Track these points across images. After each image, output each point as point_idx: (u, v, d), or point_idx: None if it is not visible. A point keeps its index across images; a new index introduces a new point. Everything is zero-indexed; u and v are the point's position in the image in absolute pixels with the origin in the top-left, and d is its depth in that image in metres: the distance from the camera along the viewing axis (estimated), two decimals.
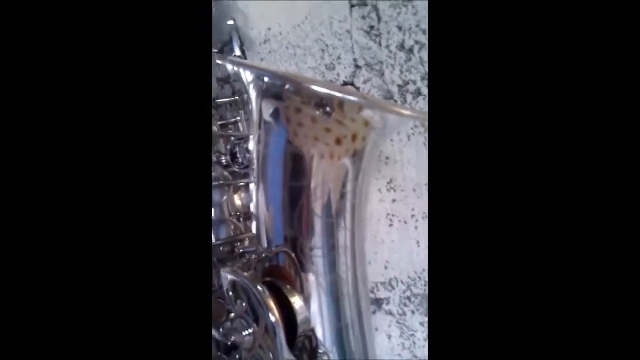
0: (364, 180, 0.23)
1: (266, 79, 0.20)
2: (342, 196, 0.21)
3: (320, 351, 0.21)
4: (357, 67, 0.38)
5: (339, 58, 0.39)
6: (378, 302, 0.40)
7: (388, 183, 0.39)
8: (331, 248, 0.22)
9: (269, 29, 0.39)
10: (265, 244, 0.22)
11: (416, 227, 0.38)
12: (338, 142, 0.21)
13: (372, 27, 0.38)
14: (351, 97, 0.20)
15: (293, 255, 0.21)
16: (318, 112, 0.19)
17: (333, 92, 0.19)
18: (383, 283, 0.39)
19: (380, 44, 0.38)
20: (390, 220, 0.39)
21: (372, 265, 0.40)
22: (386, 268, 0.39)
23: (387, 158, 0.39)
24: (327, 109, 0.20)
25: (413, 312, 0.39)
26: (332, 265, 0.22)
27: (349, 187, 0.22)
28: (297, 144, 0.20)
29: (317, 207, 0.21)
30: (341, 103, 0.20)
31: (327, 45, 0.39)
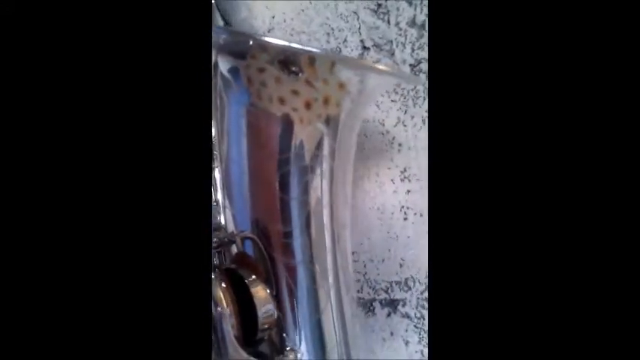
0: (342, 155, 0.20)
1: (224, 35, 0.18)
2: (313, 170, 0.19)
3: (287, 347, 0.18)
4: (365, 48, 0.36)
5: (345, 40, 0.36)
6: (393, 304, 0.36)
7: (402, 172, 0.35)
8: (304, 232, 0.19)
9: (273, 17, 0.38)
10: (233, 230, 0.19)
11: None
12: (308, 106, 0.18)
13: (379, 5, 0.35)
14: (322, 53, 0.17)
15: (260, 241, 0.18)
16: (283, 73, 0.17)
17: (300, 47, 0.17)
18: (398, 283, 0.36)
19: (389, 22, 0.35)
20: (405, 213, 0.35)
21: (386, 263, 0.36)
22: (401, 266, 0.36)
23: (400, 145, 0.35)
24: (294, 68, 0.17)
25: None
26: (306, 251, 0.20)
27: (324, 161, 0.19)
28: (261, 108, 0.18)
29: (286, 185, 0.19)
30: (311, 60, 0.17)
31: (332, 28, 0.37)
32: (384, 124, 0.36)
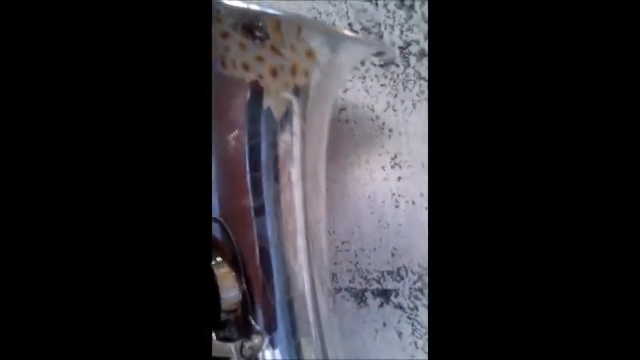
0: (313, 137, 0.19)
1: None
2: (276, 146, 0.18)
3: (255, 331, 0.17)
4: (354, 32, 0.35)
5: (333, 24, 0.36)
6: (385, 294, 0.35)
7: (392, 159, 0.34)
8: (273, 211, 0.18)
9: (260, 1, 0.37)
10: None
11: (426, 208, 0.33)
12: (274, 73, 0.17)
13: None
14: (286, 15, 0.16)
15: (226, 221, 0.18)
16: (247, 38, 0.16)
17: (265, 10, 0.16)
18: (390, 273, 0.35)
19: (377, 4, 0.34)
20: (397, 200, 0.34)
21: (378, 252, 0.35)
22: (393, 255, 0.35)
23: (391, 130, 0.34)
24: (258, 33, 0.16)
25: (426, 306, 0.34)
26: (275, 230, 0.19)
27: (291, 135, 0.18)
28: (226, 76, 0.17)
29: (250, 159, 0.18)
30: (277, 25, 0.16)
31: (320, 13, 0.36)
32: (373, 110, 0.35)
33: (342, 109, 0.36)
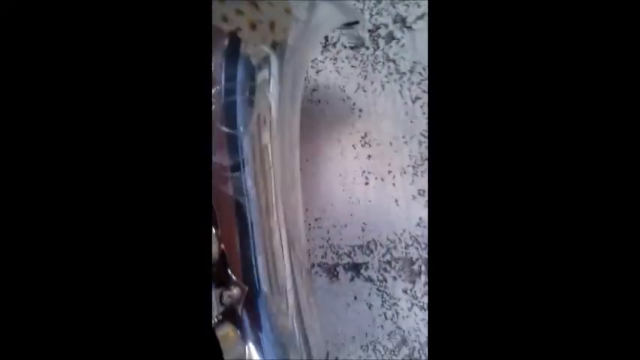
0: (287, 100, 0.20)
1: None
2: (251, 103, 0.18)
3: (233, 282, 0.18)
4: None
5: None
6: (356, 268, 0.37)
7: (363, 138, 0.36)
8: (250, 167, 0.19)
9: None
10: None
11: (394, 184, 0.35)
12: (252, 27, 0.18)
13: None
14: None
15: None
16: None
17: None
18: (360, 247, 0.36)
19: None
20: (366, 178, 0.36)
21: (349, 227, 0.37)
22: (363, 230, 0.36)
23: (361, 110, 0.36)
24: None
25: (395, 278, 0.35)
26: (251, 186, 0.19)
27: (268, 94, 0.19)
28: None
29: (230, 116, 0.18)
30: None
31: None
32: (344, 90, 0.36)
33: (314, 90, 0.37)
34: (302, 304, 0.20)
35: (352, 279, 0.37)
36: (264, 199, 0.19)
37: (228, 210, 0.18)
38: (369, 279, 0.36)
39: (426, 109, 0.34)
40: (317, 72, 0.37)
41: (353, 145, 0.36)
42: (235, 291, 0.18)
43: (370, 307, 0.37)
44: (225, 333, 0.18)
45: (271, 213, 0.19)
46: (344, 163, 0.36)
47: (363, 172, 0.36)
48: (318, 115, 0.37)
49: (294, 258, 0.20)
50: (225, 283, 0.18)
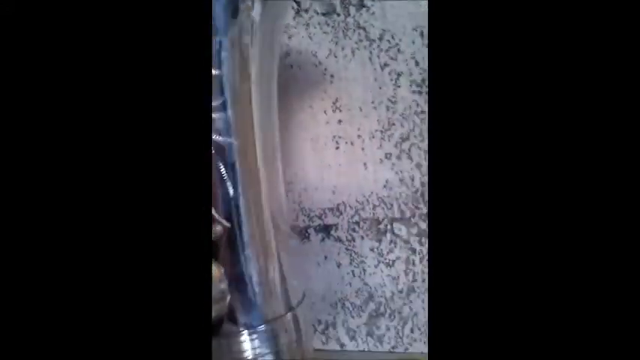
0: (264, 55, 0.20)
1: None
2: (234, 45, 0.18)
3: (215, 219, 0.19)
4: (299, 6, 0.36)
5: None
6: (326, 229, 0.38)
7: (334, 103, 0.37)
8: (230, 108, 0.19)
9: None
10: None
11: (363, 149, 0.36)
12: None
13: None
14: None
15: None
16: None
17: None
18: (331, 209, 0.38)
19: None
20: (337, 142, 0.37)
21: (319, 191, 0.38)
22: (334, 193, 0.37)
23: (332, 76, 0.37)
24: None
25: (362, 237, 0.37)
26: (230, 126, 0.20)
27: (253, 44, 0.19)
28: None
29: (214, 58, 0.19)
30: None
31: None
32: (316, 56, 0.37)
33: (286, 54, 0.37)
34: (281, 249, 0.21)
35: (322, 240, 0.39)
36: (245, 140, 0.19)
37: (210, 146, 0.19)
38: (339, 239, 0.38)
39: (394, 75, 0.36)
40: (289, 37, 0.37)
41: (324, 111, 0.37)
42: (218, 227, 0.19)
43: (339, 265, 0.38)
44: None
45: (250, 154, 0.20)
46: (316, 128, 0.37)
47: (334, 136, 0.37)
48: (291, 79, 0.37)
49: (272, 202, 0.20)
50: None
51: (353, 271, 0.38)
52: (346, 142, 0.37)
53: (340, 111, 0.37)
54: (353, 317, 0.38)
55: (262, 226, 0.20)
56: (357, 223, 0.37)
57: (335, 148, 0.37)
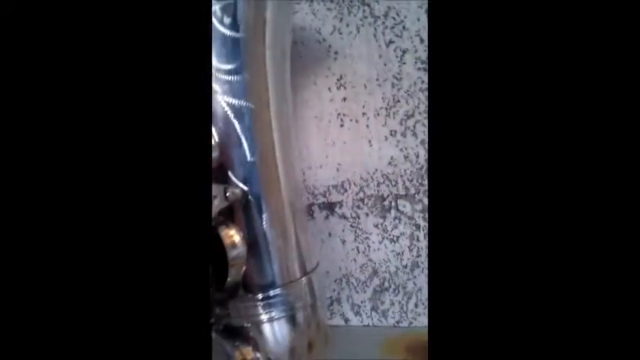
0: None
1: None
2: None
3: (233, 183, 0.19)
4: None
5: None
6: (330, 207, 0.38)
7: (338, 80, 0.37)
8: (245, 71, 0.19)
9: None
10: None
11: (367, 126, 0.37)
12: None
13: None
14: None
15: None
16: None
17: None
18: (335, 187, 0.38)
19: None
20: (342, 120, 0.37)
21: (324, 168, 0.38)
22: (338, 170, 0.38)
23: (336, 53, 0.36)
24: None
25: (367, 214, 0.38)
26: (245, 89, 0.20)
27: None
28: None
29: (226, 18, 0.19)
30: None
31: None
32: (320, 32, 0.37)
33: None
34: (298, 218, 0.21)
35: (327, 217, 0.39)
36: (259, 102, 0.19)
37: (226, 114, 0.19)
38: (343, 216, 0.38)
39: (399, 52, 0.36)
40: (293, 13, 0.37)
41: (329, 88, 0.37)
42: (237, 190, 0.19)
43: (344, 242, 0.39)
44: (229, 234, 0.19)
45: (264, 116, 0.20)
46: (320, 105, 0.37)
47: (338, 114, 0.37)
48: (295, 56, 0.37)
49: (288, 170, 0.21)
50: (225, 181, 0.19)
51: (357, 247, 0.38)
52: (351, 120, 0.37)
53: (345, 88, 0.37)
54: (357, 292, 0.39)
55: (279, 191, 0.20)
56: (362, 200, 0.38)
57: (339, 125, 0.37)
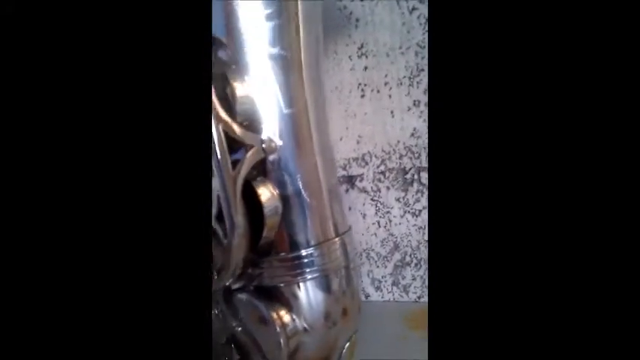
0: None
1: None
2: None
3: (265, 137, 0.18)
4: None
5: None
6: (351, 180, 0.38)
7: (359, 49, 0.36)
8: (281, 18, 0.18)
9: None
10: None
11: (390, 96, 0.36)
12: None
13: None
14: None
15: None
16: None
17: None
18: (356, 159, 0.37)
19: None
20: (362, 90, 0.36)
21: (344, 140, 0.37)
22: (358, 143, 0.37)
23: (357, 20, 0.35)
24: None
25: (388, 188, 0.37)
26: (281, 39, 0.19)
27: None
28: None
29: None
30: None
31: None
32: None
33: None
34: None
35: (347, 191, 0.38)
36: (291, 55, 0.18)
37: (260, 66, 0.18)
38: (364, 190, 0.38)
39: (422, 19, 0.34)
40: None
41: (349, 57, 0.36)
42: (273, 145, 0.18)
43: (364, 216, 0.38)
44: (265, 190, 0.18)
45: (299, 71, 0.19)
46: (340, 75, 0.36)
47: (359, 84, 0.36)
48: None
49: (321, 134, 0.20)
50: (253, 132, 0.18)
51: (378, 222, 0.38)
52: (372, 90, 0.36)
53: (366, 57, 0.36)
54: (378, 267, 0.38)
55: (311, 148, 0.19)
56: (383, 173, 0.37)
57: (360, 96, 0.36)
